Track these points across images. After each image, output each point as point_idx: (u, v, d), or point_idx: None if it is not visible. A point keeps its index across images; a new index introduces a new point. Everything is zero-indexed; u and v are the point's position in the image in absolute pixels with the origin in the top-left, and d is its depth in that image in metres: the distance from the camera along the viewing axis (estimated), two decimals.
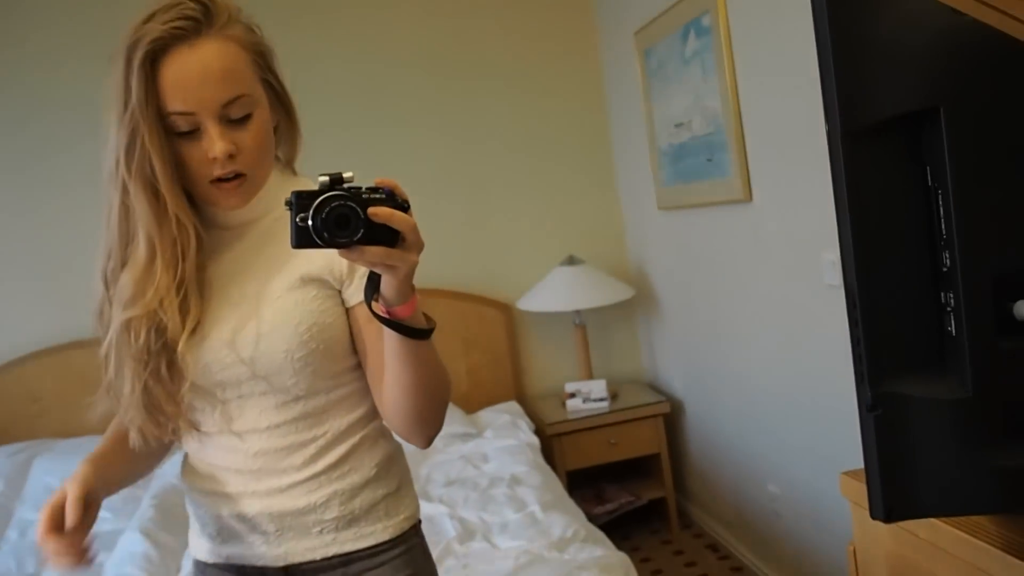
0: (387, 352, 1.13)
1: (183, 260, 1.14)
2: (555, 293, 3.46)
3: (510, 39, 3.67)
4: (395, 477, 1.30)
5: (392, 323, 1.07)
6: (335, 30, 3.43)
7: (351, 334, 1.23)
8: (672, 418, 3.52)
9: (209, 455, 1.25)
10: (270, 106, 1.18)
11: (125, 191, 1.12)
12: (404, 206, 0.99)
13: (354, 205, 0.95)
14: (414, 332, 1.08)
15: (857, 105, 0.93)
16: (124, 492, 2.74)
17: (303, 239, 0.96)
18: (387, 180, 0.99)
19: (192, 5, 1.10)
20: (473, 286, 3.58)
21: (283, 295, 1.18)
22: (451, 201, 3.56)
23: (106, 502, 2.74)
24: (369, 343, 1.21)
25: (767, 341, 2.70)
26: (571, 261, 3.51)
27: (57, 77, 3.36)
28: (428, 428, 1.21)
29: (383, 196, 0.98)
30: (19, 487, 2.89)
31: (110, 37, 1.12)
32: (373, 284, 1.06)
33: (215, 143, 1.10)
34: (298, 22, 3.32)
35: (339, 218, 0.94)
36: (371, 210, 0.95)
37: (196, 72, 1.09)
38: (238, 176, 1.13)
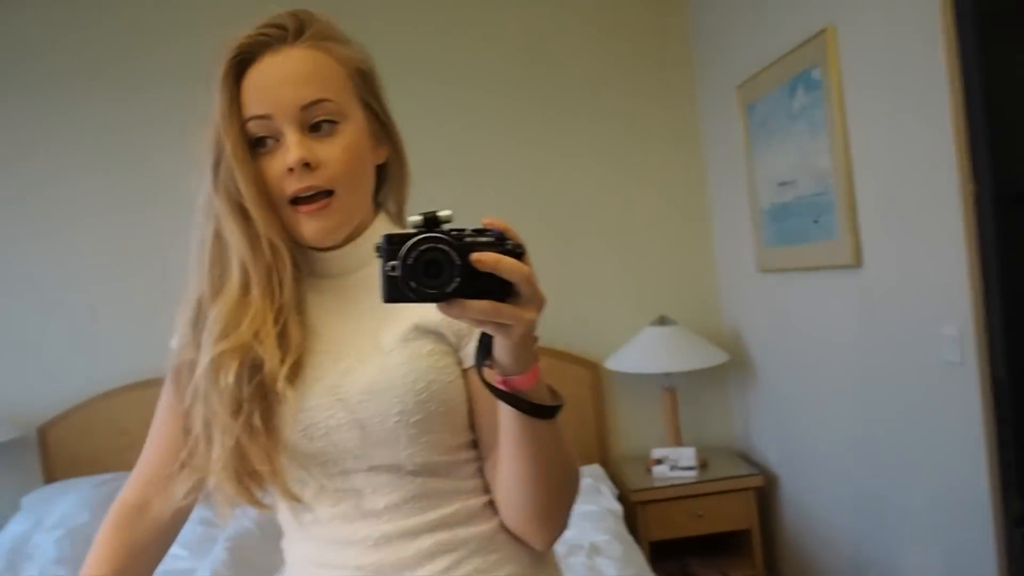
0: (502, 430, 0.96)
1: (280, 289, 1.02)
2: (645, 354, 3.33)
3: (605, 90, 3.60)
4: (548, 571, 1.12)
5: (507, 395, 0.90)
6: (423, 86, 3.42)
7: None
8: (765, 492, 3.33)
9: (313, 552, 1.07)
10: (374, 134, 1.08)
11: (215, 218, 1.04)
12: (517, 252, 0.82)
13: (447, 249, 0.79)
14: (534, 408, 0.91)
15: (1013, 167, 0.80)
16: (200, 531, 2.78)
17: (394, 292, 0.80)
18: (497, 220, 0.83)
19: (285, 16, 1.04)
20: (559, 342, 3.47)
21: (395, 348, 1.02)
22: (539, 253, 3.43)
23: (182, 539, 2.72)
24: (483, 416, 1.04)
25: (873, 419, 2.51)
26: (662, 321, 3.38)
27: (171, 113, 3.42)
28: (548, 528, 1.03)
29: (491, 240, 0.81)
30: (102, 518, 2.88)
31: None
32: (485, 347, 0.90)
33: (290, 149, 1.00)
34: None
35: (429, 264, 0.79)
36: (474, 256, 0.79)
37: (276, 74, 1.02)
38: (319, 195, 1.01)
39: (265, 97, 1.01)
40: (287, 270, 1.03)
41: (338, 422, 1.01)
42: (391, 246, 0.80)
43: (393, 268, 0.79)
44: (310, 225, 1.02)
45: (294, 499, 1.03)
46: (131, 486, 1.17)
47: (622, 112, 3.60)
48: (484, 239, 0.81)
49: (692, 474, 3.23)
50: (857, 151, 2.43)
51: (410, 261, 0.79)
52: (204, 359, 1.01)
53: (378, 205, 1.15)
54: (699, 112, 3.64)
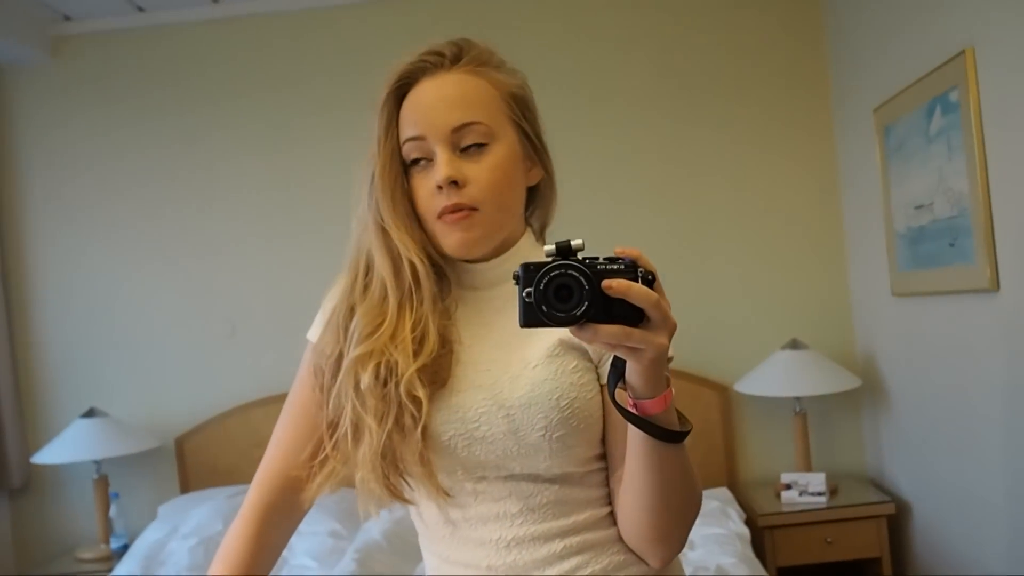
0: (629, 452, 0.99)
1: (419, 304, 1.07)
2: (775, 377, 3.29)
3: (741, 111, 3.59)
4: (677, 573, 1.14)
5: (637, 419, 0.93)
6: (561, 105, 3.48)
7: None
8: (897, 520, 3.23)
9: (448, 550, 1.11)
10: (527, 157, 1.12)
11: (366, 230, 1.11)
12: (648, 279, 0.86)
13: (576, 275, 0.83)
14: (663, 433, 0.93)
15: None
16: (328, 543, 2.88)
17: (530, 316, 0.85)
18: (629, 249, 0.87)
19: (444, 44, 1.10)
20: (689, 364, 3.46)
21: (541, 363, 1.06)
22: (670, 274, 3.45)
23: (310, 550, 2.82)
24: (613, 431, 1.07)
25: (1011, 447, 2.43)
26: (794, 345, 3.34)
27: (309, 132, 3.59)
28: (665, 547, 1.06)
29: (622, 267, 0.85)
30: None
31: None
32: (617, 371, 0.93)
33: (439, 168, 1.05)
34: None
35: (559, 289, 0.84)
36: (605, 282, 0.83)
37: (431, 97, 1.08)
38: (463, 210, 1.06)
39: (419, 119, 1.07)
40: (425, 288, 1.07)
41: (485, 434, 1.05)
42: (527, 274, 0.85)
43: (529, 295, 0.84)
44: (454, 235, 1.07)
45: (445, 495, 1.07)
46: (262, 486, 1.21)
47: (757, 133, 3.59)
48: (616, 267, 0.85)
49: (822, 500, 3.18)
50: (995, 173, 2.37)
51: (542, 286, 0.84)
52: (346, 361, 1.07)
53: (528, 224, 1.20)
54: (835, 134, 3.59)
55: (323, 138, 3.55)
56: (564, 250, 0.86)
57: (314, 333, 1.20)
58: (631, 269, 0.86)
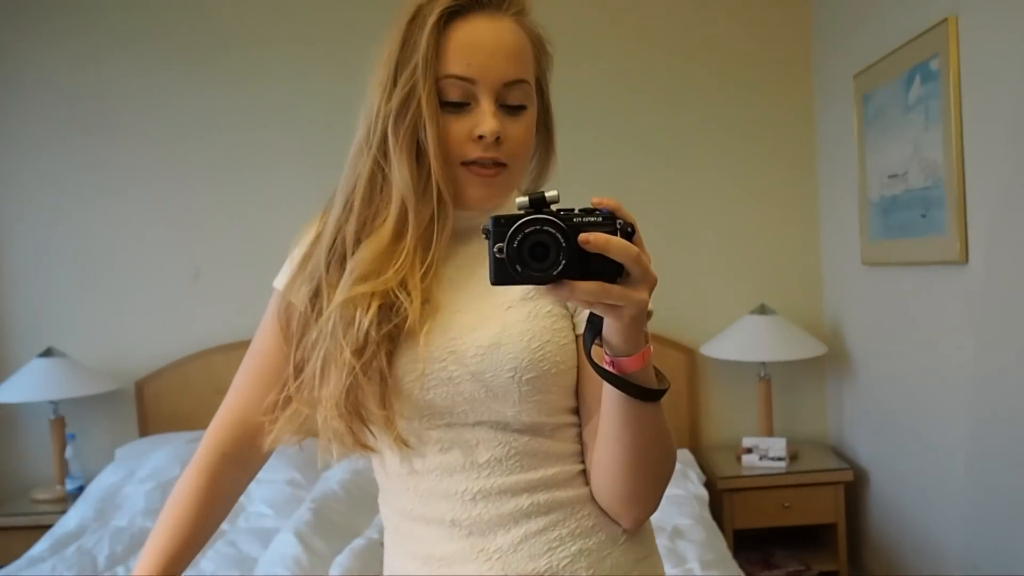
0: (604, 411, 0.95)
1: (436, 241, 1.02)
2: (742, 342, 3.30)
3: (719, 73, 3.55)
4: (646, 541, 1.10)
5: (614, 377, 0.89)
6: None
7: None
8: (854, 487, 3.27)
9: (411, 504, 1.06)
10: (536, 110, 1.08)
11: (383, 158, 1.02)
12: (627, 231, 0.81)
13: (552, 231, 0.78)
14: (641, 392, 0.89)
15: None
16: (286, 492, 2.86)
17: (501, 274, 0.79)
18: (606, 200, 0.81)
19: None
20: (656, 325, 3.45)
21: (514, 305, 1.02)
22: (642, 234, 3.45)
23: (267, 498, 2.79)
24: (587, 384, 1.03)
25: (971, 420, 2.45)
26: (762, 310, 3.33)
27: (268, 71, 3.51)
28: (639, 508, 1.02)
29: (599, 219, 0.80)
30: None
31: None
32: (594, 328, 0.88)
33: (487, 119, 0.99)
34: None
35: (534, 247, 0.78)
36: (582, 237, 0.78)
37: (490, 40, 1.01)
38: (496, 165, 1.01)
39: (474, 61, 1.00)
40: (447, 224, 1.02)
41: (450, 375, 1.00)
42: (498, 228, 0.79)
43: (500, 250, 0.79)
44: (479, 189, 1.03)
45: (403, 444, 1.03)
46: (218, 433, 1.18)
47: (735, 96, 3.55)
48: (593, 219, 0.80)
49: (781, 465, 3.20)
50: (971, 145, 2.35)
51: (515, 244, 0.79)
52: (340, 296, 1.01)
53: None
54: (814, 100, 3.56)
55: (293, 77, 3.48)
56: (538, 202, 0.81)
57: (281, 280, 1.15)
58: (609, 221, 0.81)
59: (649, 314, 0.96)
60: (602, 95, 3.52)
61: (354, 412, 1.01)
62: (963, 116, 2.37)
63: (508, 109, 1.02)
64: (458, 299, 1.04)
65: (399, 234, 1.02)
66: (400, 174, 1.01)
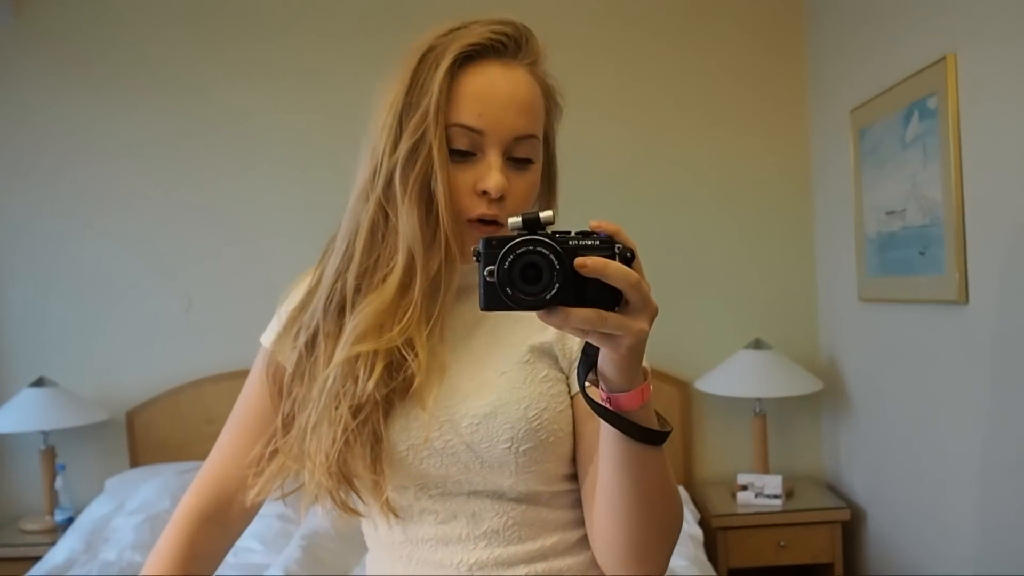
0: (602, 455, 0.89)
1: (443, 294, 0.98)
2: (737, 377, 3.28)
3: (715, 106, 3.55)
4: None
5: (610, 415, 0.83)
6: None
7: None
8: (851, 526, 3.23)
9: (403, 572, 1.02)
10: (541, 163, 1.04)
11: (388, 205, 0.97)
12: (627, 256, 0.76)
13: (546, 252, 0.74)
14: (640, 432, 0.83)
15: None
16: (276, 526, 2.82)
17: (492, 299, 0.75)
18: (605, 223, 0.76)
19: (515, 25, 0.99)
20: (649, 359, 3.39)
21: (510, 370, 0.98)
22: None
23: (257, 533, 2.75)
24: (583, 446, 0.98)
25: (972, 462, 2.42)
26: (757, 345, 3.32)
27: (263, 99, 3.51)
28: (644, 567, 0.94)
29: (596, 243, 0.75)
30: None
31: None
32: (588, 360, 0.83)
33: (493, 175, 0.95)
34: None
35: (526, 268, 0.74)
36: (578, 260, 0.73)
37: (504, 91, 0.97)
38: (496, 224, 0.97)
39: (486, 112, 0.96)
40: (454, 278, 0.99)
41: (445, 444, 0.97)
42: (489, 250, 0.75)
43: (491, 274, 0.74)
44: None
45: (392, 512, 0.99)
46: (200, 492, 1.14)
47: (730, 128, 3.55)
48: (590, 242, 0.76)
49: (777, 503, 3.17)
50: (970, 184, 2.34)
51: (507, 266, 0.74)
52: (342, 354, 0.97)
53: None
54: (809, 135, 3.57)
55: (287, 112, 3.48)
56: (532, 223, 0.76)
57: (268, 338, 1.12)
58: (607, 245, 0.76)
59: (646, 372, 0.93)
60: (597, 129, 3.51)
61: (342, 474, 0.97)
62: (963, 154, 2.36)
63: (514, 162, 0.98)
64: (455, 362, 1.00)
65: (405, 287, 0.97)
66: (409, 224, 0.96)
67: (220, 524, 1.14)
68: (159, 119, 3.51)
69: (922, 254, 2.60)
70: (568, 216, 1.11)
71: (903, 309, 2.79)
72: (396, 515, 1.00)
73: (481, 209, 0.96)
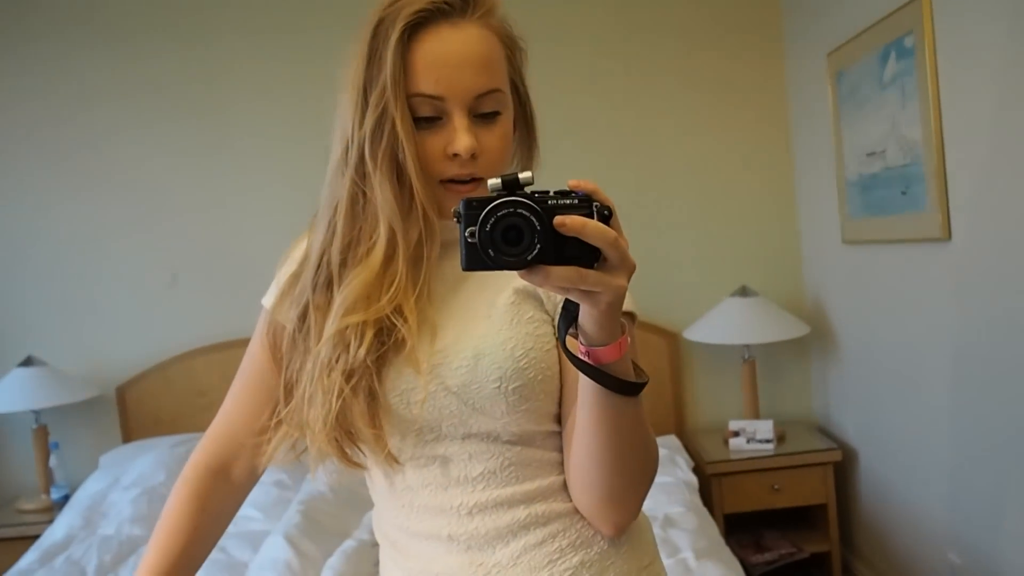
0: (580, 405, 0.92)
1: (426, 260, 1.00)
2: (724, 325, 3.29)
3: (692, 54, 3.54)
4: (648, 549, 1.08)
5: (589, 367, 0.85)
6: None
7: None
8: (842, 467, 3.28)
9: (407, 520, 1.05)
10: (513, 111, 1.04)
11: (361, 179, 0.99)
12: (605, 214, 0.77)
13: (526, 214, 0.75)
14: (617, 384, 0.86)
15: None
16: (273, 493, 2.83)
17: (473, 259, 0.76)
18: (583, 182, 0.78)
19: None
20: (637, 310, 3.43)
21: (494, 314, 1.00)
22: (620, 220, 3.43)
23: (255, 501, 2.77)
24: (569, 388, 0.99)
25: (958, 396, 2.45)
26: (743, 292, 3.33)
27: (241, 73, 3.49)
28: (620, 512, 0.99)
29: (575, 202, 0.77)
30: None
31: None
32: (569, 315, 0.85)
33: (460, 137, 0.96)
34: None
35: (508, 230, 0.75)
36: (557, 219, 0.75)
37: (456, 53, 0.97)
38: (473, 180, 0.98)
39: (441, 77, 0.96)
40: (435, 243, 1.00)
41: (436, 388, 0.98)
42: (470, 211, 0.76)
43: (472, 234, 0.76)
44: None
45: (394, 461, 1.01)
46: (207, 449, 1.17)
47: (708, 78, 3.54)
48: (569, 201, 0.77)
49: (769, 447, 3.20)
50: (949, 121, 2.35)
51: (488, 228, 0.76)
52: (332, 327, 0.99)
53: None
54: (786, 80, 3.56)
55: (275, 84, 3.44)
56: (511, 184, 0.77)
57: (268, 300, 1.14)
58: (586, 204, 0.77)
59: (633, 317, 0.98)
60: (574, 76, 3.50)
61: (343, 432, 0.99)
62: (940, 92, 2.37)
63: (482, 118, 0.99)
64: (443, 314, 1.02)
65: (389, 258, 0.99)
66: (383, 197, 0.98)
67: (227, 481, 1.17)
68: (142, 98, 3.47)
69: (904, 193, 2.61)
70: (549, 172, 1.12)
71: (886, 249, 2.81)
72: (397, 462, 1.02)
73: (454, 170, 0.97)
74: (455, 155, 0.97)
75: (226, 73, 3.48)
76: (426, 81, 0.96)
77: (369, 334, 0.97)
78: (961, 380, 2.44)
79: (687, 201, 3.57)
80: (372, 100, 0.96)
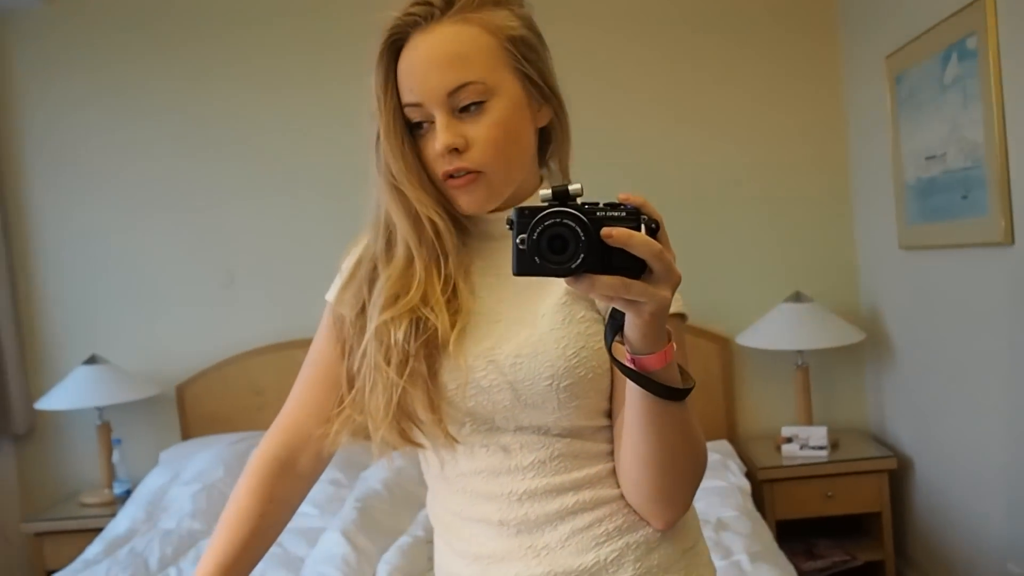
0: (627, 408, 0.96)
1: (444, 261, 1.05)
2: (778, 330, 3.27)
3: (745, 58, 3.52)
4: (691, 531, 1.11)
5: (635, 375, 0.89)
6: (560, 49, 3.41)
7: None
8: (898, 475, 3.23)
9: (460, 504, 1.09)
10: (532, 100, 1.06)
11: (381, 190, 1.07)
12: (652, 227, 0.81)
13: (572, 224, 0.79)
14: (663, 390, 0.89)
15: None
16: (329, 491, 2.88)
17: (523, 265, 0.80)
18: (633, 196, 0.82)
19: None
20: (689, 315, 3.42)
21: (549, 313, 1.03)
22: (671, 223, 3.42)
23: (311, 498, 2.81)
24: (619, 387, 1.02)
25: (1018, 403, 2.41)
26: (797, 298, 3.31)
27: (296, 79, 3.54)
28: (669, 509, 1.02)
29: (623, 214, 0.81)
30: (237, 475, 3.01)
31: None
32: (615, 324, 0.89)
33: (439, 135, 1.01)
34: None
35: (553, 239, 0.79)
36: (604, 230, 0.79)
37: (423, 58, 1.01)
38: (469, 173, 1.02)
39: (414, 84, 1.02)
40: (449, 243, 1.05)
41: (491, 383, 1.02)
42: (521, 219, 0.80)
43: (523, 242, 0.80)
44: (461, 199, 1.04)
45: (453, 441, 1.05)
46: (274, 439, 1.20)
47: (764, 81, 3.53)
48: (617, 214, 0.81)
49: (823, 454, 3.17)
50: (1012, 123, 2.32)
51: (535, 236, 0.79)
52: (371, 326, 1.05)
53: (547, 165, 1.15)
54: (843, 82, 3.53)
55: (328, 81, 3.48)
56: (561, 195, 0.81)
57: (331, 294, 1.18)
58: (633, 216, 0.81)
59: (684, 317, 1.02)
60: (625, 80, 3.50)
61: (404, 417, 1.04)
62: (1004, 94, 2.34)
63: (465, 112, 1.02)
64: (496, 307, 1.07)
65: (410, 259, 1.06)
66: (391, 209, 1.06)
67: (292, 472, 1.19)
68: (197, 102, 3.55)
69: (964, 197, 2.57)
70: (603, 169, 1.14)
71: (946, 255, 2.77)
72: (457, 442, 1.06)
73: (445, 167, 1.02)
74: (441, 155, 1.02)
75: (285, 74, 3.54)
76: (407, 91, 1.03)
77: (403, 325, 1.03)
78: (1021, 388, 2.40)
79: (741, 205, 3.55)
80: (372, 117, 1.05)
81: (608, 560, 1.03)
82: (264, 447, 1.20)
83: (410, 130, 1.05)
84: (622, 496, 1.05)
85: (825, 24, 3.53)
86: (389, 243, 1.08)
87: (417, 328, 1.03)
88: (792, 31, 3.53)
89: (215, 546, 1.14)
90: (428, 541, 2.40)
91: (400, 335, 1.02)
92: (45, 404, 3.26)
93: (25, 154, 3.56)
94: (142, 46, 3.54)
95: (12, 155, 3.55)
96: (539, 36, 1.09)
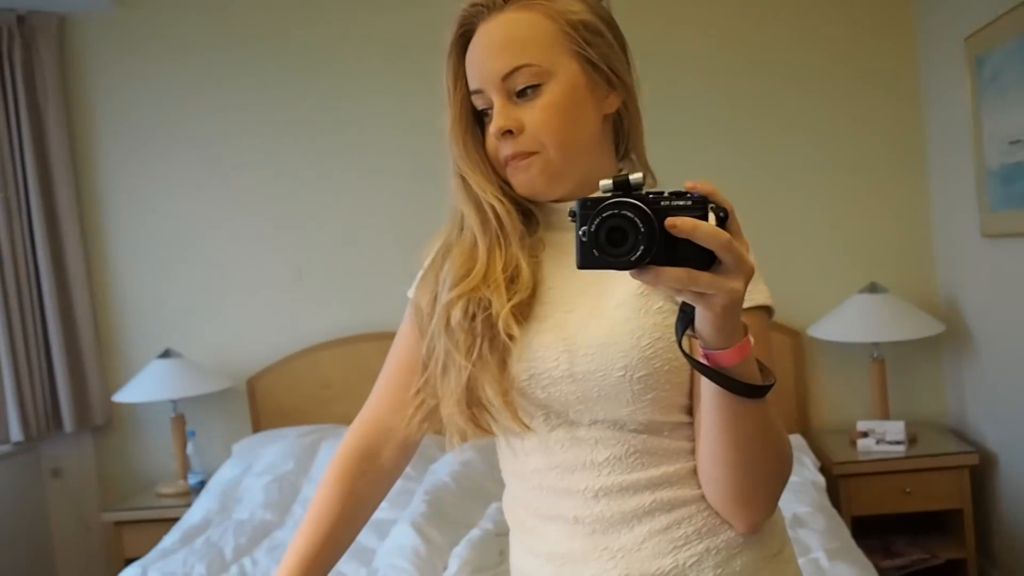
0: (703, 405, 0.93)
1: (507, 246, 1.06)
2: (852, 322, 3.19)
3: (817, 43, 3.44)
4: (777, 537, 1.06)
5: (708, 371, 0.85)
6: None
7: None
8: (980, 471, 3.13)
9: (535, 501, 1.07)
10: (597, 86, 1.05)
11: (452, 178, 1.10)
12: (720, 216, 0.78)
13: (631, 215, 0.75)
14: (739, 387, 0.85)
15: None
16: (399, 484, 2.85)
17: (586, 258, 0.78)
18: (701, 184, 0.78)
19: None
20: (775, 308, 3.36)
21: (624, 302, 1.00)
22: (742, 212, 3.36)
23: None
24: (696, 383, 0.99)
25: None
26: (872, 288, 3.22)
27: (364, 73, 3.56)
28: (750, 511, 0.98)
29: (688, 203, 0.77)
30: (307, 467, 3.10)
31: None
32: (686, 317, 0.85)
33: (494, 120, 1.04)
34: None
35: (612, 231, 0.76)
36: (668, 221, 0.75)
37: (482, 46, 1.05)
38: (528, 155, 1.03)
39: (475, 72, 1.05)
40: (509, 228, 1.06)
41: (562, 373, 1.00)
42: (583, 211, 0.78)
43: (584, 234, 0.77)
44: (517, 177, 1.06)
45: (524, 426, 1.03)
46: (356, 433, 1.20)
47: (836, 64, 3.44)
48: (682, 203, 0.77)
49: (900, 449, 3.09)
50: None
51: (593, 229, 0.77)
52: (438, 306, 1.07)
53: (628, 157, 1.14)
54: (920, 65, 3.42)
55: (395, 80, 3.50)
56: (622, 185, 0.78)
57: (412, 289, 1.19)
58: (700, 205, 0.77)
59: (769, 312, 1.02)
60: (696, 68, 3.46)
61: (475, 400, 1.04)
62: None
63: (519, 96, 1.04)
64: (570, 298, 1.05)
65: (475, 242, 1.08)
66: (456, 194, 1.09)
67: (375, 465, 1.19)
68: (266, 99, 3.59)
69: None
70: (665, 160, 1.13)
71: None
72: (528, 428, 1.04)
73: (505, 152, 1.05)
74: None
75: (352, 76, 3.56)
76: (471, 78, 1.06)
77: (462, 305, 1.04)
78: None
79: (813, 193, 3.47)
80: (445, 108, 1.09)
81: (687, 565, 0.99)
82: (346, 442, 1.20)
83: (480, 119, 1.08)
84: (703, 497, 1.01)
85: (900, 6, 3.43)
86: (461, 230, 1.11)
87: (479, 308, 1.03)
88: (867, 13, 3.43)
89: (297, 541, 1.15)
90: (498, 535, 2.40)
91: (459, 313, 1.04)
92: (122, 397, 3.35)
93: (100, 152, 3.64)
94: (212, 46, 3.59)
95: (88, 154, 3.63)
96: (610, 23, 1.08)
